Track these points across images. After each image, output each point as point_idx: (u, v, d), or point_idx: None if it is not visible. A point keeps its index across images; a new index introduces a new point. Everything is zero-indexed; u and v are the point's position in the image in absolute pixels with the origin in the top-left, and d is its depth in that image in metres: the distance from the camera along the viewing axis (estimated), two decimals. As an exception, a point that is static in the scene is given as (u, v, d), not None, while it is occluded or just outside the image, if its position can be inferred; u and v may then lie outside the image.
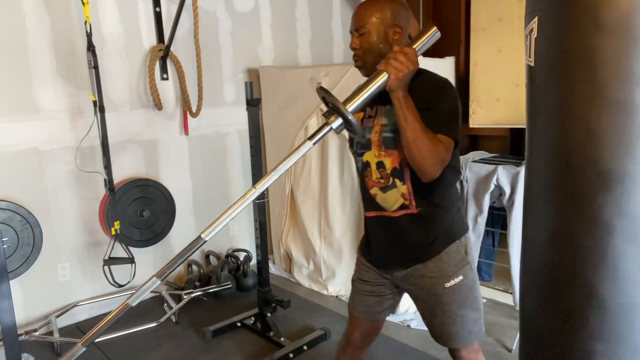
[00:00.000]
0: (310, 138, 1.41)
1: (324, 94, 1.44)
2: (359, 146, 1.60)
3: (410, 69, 1.38)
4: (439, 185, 1.52)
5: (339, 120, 1.39)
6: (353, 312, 1.75)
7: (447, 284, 1.55)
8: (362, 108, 1.50)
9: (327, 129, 1.40)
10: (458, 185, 2.47)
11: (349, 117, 1.37)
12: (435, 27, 1.49)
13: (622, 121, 1.23)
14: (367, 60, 1.55)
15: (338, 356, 1.83)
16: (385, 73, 1.38)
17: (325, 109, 1.49)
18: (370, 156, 1.56)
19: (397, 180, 1.52)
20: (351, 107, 1.39)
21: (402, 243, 1.57)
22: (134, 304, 1.45)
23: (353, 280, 1.78)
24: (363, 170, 1.60)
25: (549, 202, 1.42)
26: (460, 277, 1.56)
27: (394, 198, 1.54)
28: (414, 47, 1.45)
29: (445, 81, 1.56)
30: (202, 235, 1.42)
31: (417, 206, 1.53)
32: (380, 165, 1.54)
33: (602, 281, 1.31)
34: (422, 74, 1.52)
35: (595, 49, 1.24)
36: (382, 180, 1.54)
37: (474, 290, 1.59)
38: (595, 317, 1.32)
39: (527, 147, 1.52)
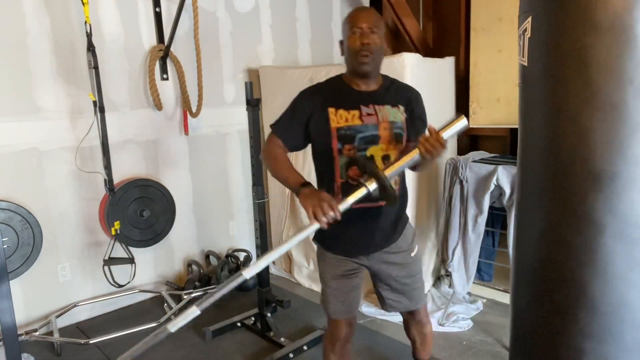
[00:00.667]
0: (348, 197, 1.53)
1: (364, 163, 1.60)
2: (362, 141, 1.69)
3: (441, 155, 1.55)
4: (404, 178, 1.81)
5: (375, 185, 1.53)
6: (337, 316, 1.85)
7: (412, 254, 1.87)
8: (355, 107, 1.69)
9: (365, 191, 1.52)
10: (458, 185, 2.65)
11: (388, 185, 1.51)
12: (463, 117, 1.59)
13: (613, 121, 1.24)
14: (374, 59, 1.69)
15: (329, 356, 1.92)
16: (417, 152, 1.54)
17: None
18: (376, 150, 1.69)
19: None
20: (389, 173, 1.54)
21: (384, 226, 1.78)
22: (173, 331, 1.49)
23: (330, 282, 1.84)
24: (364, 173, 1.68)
25: (541, 201, 1.42)
26: (417, 246, 1.90)
27: None
28: (443, 134, 1.56)
29: (419, 93, 1.86)
30: (243, 273, 1.49)
31: (399, 192, 1.76)
32: (386, 157, 1.70)
33: (592, 280, 1.31)
34: (398, 82, 1.82)
35: (588, 49, 1.24)
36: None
37: (421, 258, 1.96)
38: (585, 315, 1.33)
39: (520, 146, 1.53)
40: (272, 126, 1.76)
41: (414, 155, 1.55)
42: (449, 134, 1.56)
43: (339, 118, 1.68)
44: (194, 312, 1.47)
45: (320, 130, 1.70)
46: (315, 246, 1.92)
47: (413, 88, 1.85)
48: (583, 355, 1.36)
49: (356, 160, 1.65)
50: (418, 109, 1.80)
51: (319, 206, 1.46)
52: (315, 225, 1.49)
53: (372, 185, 1.52)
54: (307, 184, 1.60)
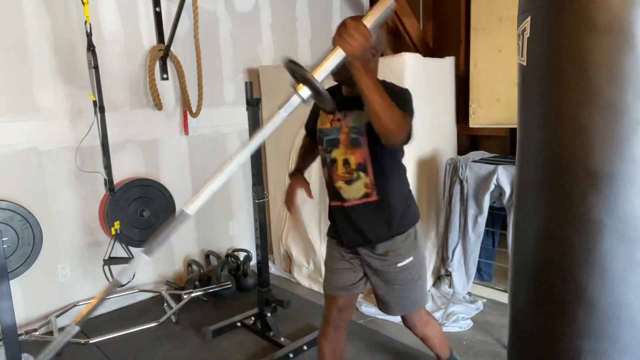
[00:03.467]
0: (280, 107, 1.44)
1: (293, 66, 1.47)
2: (328, 144, 1.79)
3: (364, 45, 1.42)
4: (392, 175, 1.78)
5: (308, 90, 1.43)
6: (329, 292, 1.93)
7: (399, 264, 1.83)
8: (333, 111, 1.75)
9: (297, 98, 1.43)
10: (458, 185, 2.75)
11: (319, 87, 1.41)
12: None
13: (612, 121, 1.24)
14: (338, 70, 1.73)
15: (320, 342, 1.97)
16: (339, 48, 1.42)
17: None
18: (338, 154, 1.77)
19: (361, 173, 1.75)
20: (319, 76, 1.42)
21: (363, 226, 1.79)
22: (124, 283, 1.48)
23: (326, 262, 1.98)
24: (330, 165, 1.80)
25: (539, 201, 1.42)
26: (410, 259, 1.83)
27: (358, 188, 1.77)
28: (365, 20, 1.44)
29: (406, 90, 1.75)
30: (185, 209, 1.43)
31: (377, 194, 1.76)
32: (346, 162, 1.76)
33: (590, 280, 1.31)
34: (385, 84, 1.71)
35: (587, 49, 1.24)
36: (347, 175, 1.76)
37: (421, 268, 1.89)
38: (583, 315, 1.33)
39: (518, 146, 1.52)
40: None
41: (337, 52, 1.43)
42: (374, 20, 1.45)
43: (321, 120, 1.84)
44: (142, 259, 1.50)
45: (314, 121, 1.91)
46: (315, 246, 1.95)
47: (398, 88, 1.75)
48: (581, 355, 1.36)
49: (289, 68, 1.52)
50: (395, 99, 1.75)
51: (286, 200, 1.95)
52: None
53: (304, 90, 1.43)
54: (292, 175, 1.98)
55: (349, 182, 1.77)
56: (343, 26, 1.48)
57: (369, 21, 1.44)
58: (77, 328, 1.47)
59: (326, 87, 1.83)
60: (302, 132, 2.08)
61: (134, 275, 2.94)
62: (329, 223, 1.99)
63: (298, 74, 1.46)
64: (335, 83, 1.82)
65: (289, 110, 1.45)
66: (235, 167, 1.46)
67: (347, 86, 1.79)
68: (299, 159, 2.05)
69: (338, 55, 1.43)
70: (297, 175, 1.98)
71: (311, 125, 1.95)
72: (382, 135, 1.55)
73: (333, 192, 1.83)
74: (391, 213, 1.79)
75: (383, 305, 1.93)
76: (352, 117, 1.74)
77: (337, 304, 1.92)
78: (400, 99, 1.63)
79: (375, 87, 1.50)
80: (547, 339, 1.43)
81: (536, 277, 1.46)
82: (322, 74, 1.44)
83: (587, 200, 1.28)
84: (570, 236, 1.33)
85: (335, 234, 1.93)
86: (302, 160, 2.05)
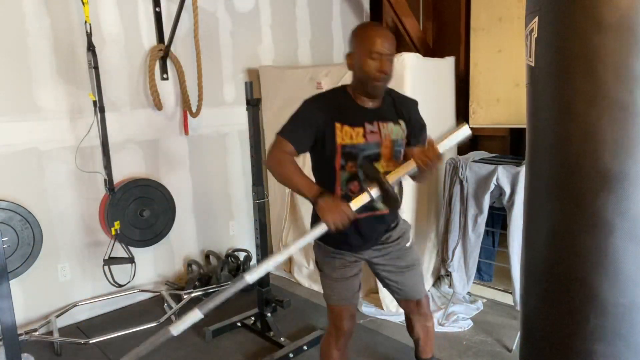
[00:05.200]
0: (353, 203, 1.60)
1: (367, 168, 1.66)
2: (364, 159, 1.73)
3: (437, 166, 1.62)
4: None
5: (378, 191, 1.60)
6: (343, 303, 1.90)
7: (407, 244, 1.95)
8: (360, 124, 1.72)
9: (367, 196, 1.60)
10: (458, 185, 2.86)
11: (391, 190, 1.58)
12: (465, 125, 1.63)
13: (622, 121, 1.23)
14: (388, 83, 1.75)
15: (332, 353, 1.94)
16: (415, 164, 1.60)
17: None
18: (378, 167, 1.75)
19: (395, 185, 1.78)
20: (392, 180, 1.60)
21: (378, 230, 1.86)
22: (175, 334, 1.56)
23: (330, 274, 1.90)
24: (365, 180, 1.73)
25: (550, 202, 1.41)
26: (411, 238, 1.98)
27: None
28: (443, 143, 1.62)
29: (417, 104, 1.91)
30: (246, 277, 1.58)
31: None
32: (385, 174, 1.69)
33: (602, 281, 1.30)
34: (396, 93, 1.85)
35: (596, 49, 1.23)
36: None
37: (416, 250, 2.02)
38: (595, 317, 1.32)
39: (528, 147, 1.52)
40: (279, 133, 1.74)
41: (412, 166, 1.60)
42: (449, 144, 1.60)
43: (344, 134, 1.70)
44: (196, 315, 1.50)
45: (326, 144, 1.71)
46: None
47: (411, 99, 1.89)
48: (593, 357, 1.35)
49: (360, 166, 1.69)
50: (416, 116, 1.86)
51: (340, 219, 1.57)
52: (324, 228, 1.58)
53: (375, 191, 1.58)
54: (323, 193, 1.62)
55: None
56: (429, 146, 1.60)
57: (443, 146, 1.61)
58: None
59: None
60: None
61: (133, 276, 2.94)
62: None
63: (372, 177, 1.62)
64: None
65: (359, 205, 1.60)
66: (294, 250, 1.66)
67: (368, 98, 1.75)
68: (306, 179, 1.70)
69: (412, 168, 1.61)
70: (326, 194, 1.64)
71: (309, 142, 1.74)
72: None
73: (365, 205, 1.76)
74: (398, 212, 1.93)
75: (401, 291, 1.96)
76: (390, 130, 1.74)
77: (351, 312, 1.91)
78: (422, 119, 1.87)
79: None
80: (559, 341, 1.42)
81: (547, 278, 1.45)
82: (396, 180, 1.62)
83: (598, 201, 1.27)
84: (581, 237, 1.32)
85: (346, 246, 1.85)
86: (308, 179, 1.73)
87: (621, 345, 1.32)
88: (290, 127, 1.75)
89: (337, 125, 1.69)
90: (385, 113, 1.77)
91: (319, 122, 1.71)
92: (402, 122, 1.80)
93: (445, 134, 1.62)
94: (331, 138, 1.70)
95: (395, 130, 1.76)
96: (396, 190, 1.74)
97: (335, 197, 1.66)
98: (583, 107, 1.28)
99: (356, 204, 1.59)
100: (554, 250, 1.42)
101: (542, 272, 1.48)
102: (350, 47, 1.76)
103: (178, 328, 1.49)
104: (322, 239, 1.87)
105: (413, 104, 1.88)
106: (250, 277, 1.50)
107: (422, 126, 1.87)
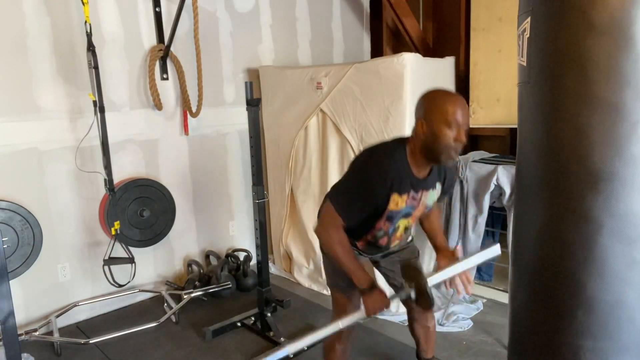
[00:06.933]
0: (390, 297, 1.72)
1: (409, 268, 1.72)
2: (397, 218, 1.78)
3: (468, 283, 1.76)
4: None
5: (414, 293, 1.69)
6: (345, 289, 1.92)
7: (408, 239, 2.02)
8: (408, 192, 1.72)
9: (405, 294, 1.70)
10: (458, 185, 2.90)
11: (430, 294, 1.66)
12: (497, 246, 1.77)
13: (612, 121, 1.24)
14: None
15: (334, 347, 2.01)
16: (452, 272, 1.74)
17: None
18: (404, 222, 1.83)
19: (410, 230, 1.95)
20: (432, 282, 1.70)
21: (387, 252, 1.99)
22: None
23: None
24: (393, 231, 1.83)
25: (539, 200, 1.43)
26: (411, 235, 2.05)
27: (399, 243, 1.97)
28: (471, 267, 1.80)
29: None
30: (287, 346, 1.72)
31: None
32: (407, 228, 1.88)
33: (590, 279, 1.31)
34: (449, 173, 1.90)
35: (587, 50, 1.24)
36: (403, 235, 1.92)
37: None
38: (583, 314, 1.34)
39: (519, 146, 1.53)
40: (333, 201, 1.71)
41: (450, 272, 1.75)
42: (480, 262, 1.78)
43: (394, 202, 1.70)
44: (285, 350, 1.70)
45: (376, 207, 1.70)
46: (315, 246, 1.96)
47: (451, 172, 1.92)
48: (580, 353, 1.36)
49: (403, 267, 1.76)
50: (451, 177, 1.90)
51: (380, 309, 1.67)
52: (362, 315, 1.70)
53: (413, 292, 1.68)
54: (374, 285, 1.69)
55: (400, 240, 1.95)
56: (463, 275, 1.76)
57: (472, 265, 1.80)
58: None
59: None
60: (302, 134, 2.07)
61: (133, 276, 2.94)
62: None
63: (413, 277, 1.69)
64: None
65: (395, 299, 1.74)
66: (327, 332, 1.74)
67: (424, 167, 1.72)
68: (361, 267, 1.74)
69: (450, 274, 1.74)
70: (376, 286, 1.70)
71: (365, 213, 1.72)
72: None
73: (378, 247, 1.90)
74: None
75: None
76: (427, 197, 1.79)
77: (354, 302, 1.92)
78: (453, 179, 1.96)
79: None
80: (547, 338, 1.44)
81: (536, 276, 1.47)
82: (435, 282, 1.72)
83: (587, 199, 1.29)
84: (569, 235, 1.34)
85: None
86: (362, 267, 1.76)
87: (608, 341, 1.33)
88: (347, 200, 1.70)
89: (394, 196, 1.68)
90: (430, 181, 1.77)
91: (377, 198, 1.68)
92: (438, 186, 1.83)
93: (477, 252, 1.79)
94: (384, 205, 1.69)
95: (431, 196, 1.81)
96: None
97: (381, 290, 1.69)
98: (573, 107, 1.29)
99: (394, 297, 1.73)
100: (542, 248, 1.44)
101: (530, 270, 1.50)
102: (421, 113, 1.64)
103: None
104: None
105: (451, 169, 1.91)
106: (291, 348, 1.71)
107: (452, 185, 1.96)
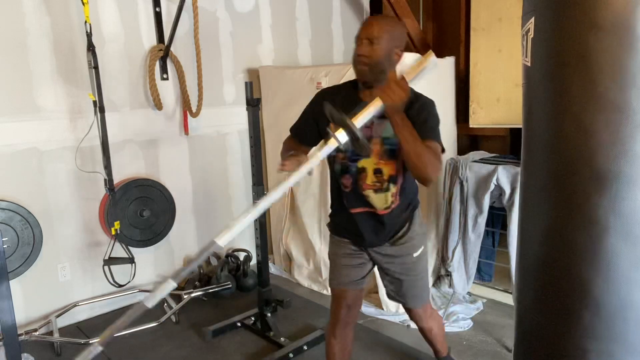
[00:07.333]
0: (319, 149, 1.53)
1: (333, 112, 1.53)
2: (352, 153, 1.73)
3: (403, 99, 1.53)
4: (412, 186, 1.89)
5: (345, 136, 1.49)
6: (339, 286, 1.94)
7: (415, 254, 1.91)
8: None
9: (335, 141, 1.50)
10: (458, 185, 2.74)
11: (358, 133, 1.47)
12: (431, 54, 1.58)
13: (616, 122, 1.23)
14: (370, 70, 1.70)
15: (329, 341, 1.98)
16: (380, 102, 1.53)
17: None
18: (368, 163, 1.76)
19: (391, 185, 1.79)
20: (358, 123, 1.49)
21: (386, 229, 1.86)
22: (150, 306, 1.51)
23: (333, 258, 1.98)
24: (357, 174, 1.78)
25: (545, 201, 1.42)
26: (422, 248, 1.94)
27: (385, 198, 1.80)
28: (409, 79, 1.56)
29: (431, 102, 1.80)
30: (216, 240, 1.45)
31: (398, 203, 1.83)
32: (377, 171, 1.76)
33: (596, 279, 1.31)
34: (415, 97, 1.74)
35: (591, 50, 1.24)
36: (377, 184, 1.78)
37: (425, 259, 1.99)
38: (589, 315, 1.33)
39: (523, 146, 1.53)
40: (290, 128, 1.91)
41: (377, 103, 1.53)
42: (415, 76, 1.56)
43: (336, 127, 1.68)
44: (170, 285, 1.46)
45: (317, 122, 1.80)
46: (315, 246, 1.95)
47: (424, 98, 1.79)
48: (587, 355, 1.35)
49: (327, 112, 1.57)
50: (423, 115, 1.72)
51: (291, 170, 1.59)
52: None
53: (342, 135, 1.48)
54: (295, 155, 1.71)
55: (377, 191, 1.79)
56: (387, 82, 1.53)
57: (410, 76, 1.54)
58: (100, 348, 1.50)
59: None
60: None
61: (133, 276, 2.94)
62: (329, 221, 2.01)
63: (337, 119, 1.52)
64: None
65: (327, 152, 1.52)
66: (267, 205, 1.49)
67: (367, 89, 1.74)
68: (287, 151, 1.84)
69: (378, 106, 1.52)
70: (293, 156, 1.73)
71: (313, 134, 1.81)
72: (417, 178, 1.66)
73: (358, 199, 1.81)
74: (408, 210, 1.90)
75: (398, 296, 1.98)
76: (384, 127, 1.71)
77: (347, 300, 1.93)
78: (434, 121, 1.73)
79: (413, 138, 1.57)
80: (553, 339, 1.43)
81: (541, 277, 1.46)
82: (361, 122, 1.51)
83: (592, 199, 1.28)
84: (575, 236, 1.33)
85: (348, 236, 1.92)
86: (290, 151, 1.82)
87: (615, 343, 1.32)
88: (296, 123, 1.91)
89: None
90: None
91: (316, 114, 1.78)
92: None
93: (411, 67, 1.58)
94: (323, 124, 1.70)
95: (387, 127, 1.69)
96: (397, 197, 1.73)
97: (299, 157, 1.66)
98: (578, 107, 1.29)
99: (323, 151, 1.51)
100: (548, 249, 1.43)
101: (536, 270, 1.49)
102: None
103: (152, 300, 1.47)
104: (332, 229, 2.00)
105: (422, 101, 1.76)
106: (221, 240, 1.42)
107: (422, 122, 1.69)
